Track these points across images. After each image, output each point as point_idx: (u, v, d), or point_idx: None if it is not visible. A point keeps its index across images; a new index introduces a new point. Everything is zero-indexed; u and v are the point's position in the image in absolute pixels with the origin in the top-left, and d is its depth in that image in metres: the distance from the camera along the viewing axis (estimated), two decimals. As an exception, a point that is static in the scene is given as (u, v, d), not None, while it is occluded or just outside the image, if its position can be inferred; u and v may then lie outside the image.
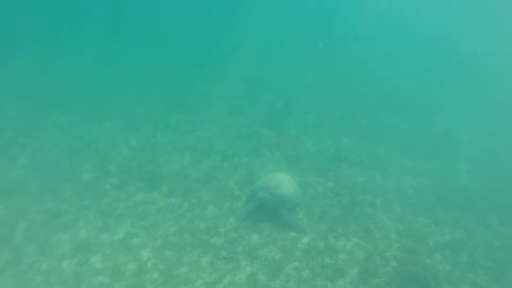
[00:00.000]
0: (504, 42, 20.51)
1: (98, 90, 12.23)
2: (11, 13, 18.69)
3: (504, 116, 12.03)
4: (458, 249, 6.14)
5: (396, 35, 23.90)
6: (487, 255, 6.09)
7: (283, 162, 8.62)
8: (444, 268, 5.73)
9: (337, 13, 28.39)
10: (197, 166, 8.23)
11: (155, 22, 22.72)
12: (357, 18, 26.43)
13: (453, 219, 6.92)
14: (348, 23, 25.61)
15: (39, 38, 16.66)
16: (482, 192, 7.88)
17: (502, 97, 13.48)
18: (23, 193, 6.85)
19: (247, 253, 5.76)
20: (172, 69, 15.46)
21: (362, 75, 16.40)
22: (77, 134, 9.21)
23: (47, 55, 15.04)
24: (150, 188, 7.33)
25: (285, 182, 6.72)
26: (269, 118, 10.98)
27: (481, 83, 15.52)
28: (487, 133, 10.88)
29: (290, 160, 8.71)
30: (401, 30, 24.99)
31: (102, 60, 15.52)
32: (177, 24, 23.16)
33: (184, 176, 7.79)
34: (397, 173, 8.53)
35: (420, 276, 5.42)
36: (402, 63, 18.16)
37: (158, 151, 8.72)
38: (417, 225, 6.71)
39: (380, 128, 10.99)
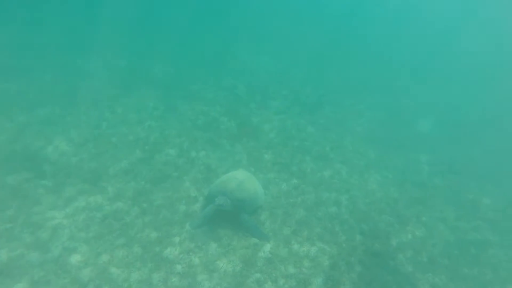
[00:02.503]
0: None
1: (29, 68, 10.56)
2: None
3: (462, 102, 12.60)
4: (419, 248, 6.28)
5: (368, 21, 23.91)
6: (444, 252, 6.31)
7: (244, 156, 8.19)
8: (406, 270, 5.82)
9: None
10: (148, 162, 7.50)
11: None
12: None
13: (415, 216, 7.08)
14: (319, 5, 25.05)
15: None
16: (441, 186, 8.17)
17: (461, 84, 14.10)
18: None
19: (205, 266, 5.37)
20: (123, 44, 13.89)
21: (329, 59, 16.17)
22: None
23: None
24: (93, 190, 6.52)
25: (245, 184, 6.30)
26: (229, 105, 10.38)
27: (443, 73, 16.07)
28: (447, 122, 11.28)
29: (252, 153, 8.29)
30: (374, 15, 25.04)
31: (36, 30, 13.45)
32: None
33: (134, 175, 7.05)
34: (362, 166, 8.53)
35: (384, 281, 5.45)
36: (371, 50, 18.23)
37: (103, 145, 7.79)
38: (381, 224, 6.76)
39: (346, 116, 10.92)
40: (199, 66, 12.94)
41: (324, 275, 5.45)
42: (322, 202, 7.08)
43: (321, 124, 10.15)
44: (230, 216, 6.16)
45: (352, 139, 9.62)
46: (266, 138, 8.99)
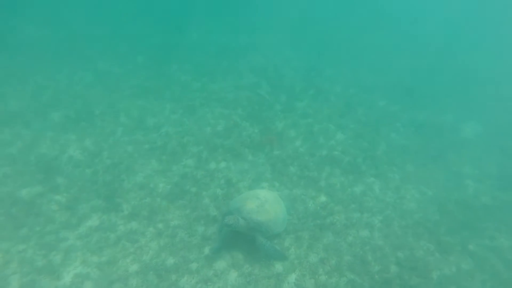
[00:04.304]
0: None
1: (44, 68, 10.53)
2: None
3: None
4: (465, 285, 5.69)
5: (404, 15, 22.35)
6: (497, 292, 5.68)
7: (268, 168, 7.76)
8: (449, 311, 5.29)
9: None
10: (165, 175, 7.25)
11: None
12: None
13: (459, 243, 6.43)
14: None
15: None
16: (491, 206, 7.42)
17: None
18: None
19: (224, 300, 5.08)
20: (139, 39, 13.65)
21: (361, 52, 15.20)
22: (14, 131, 7.85)
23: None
24: (107, 208, 6.36)
25: (266, 205, 5.84)
26: (252, 107, 9.92)
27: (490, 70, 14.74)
28: (495, 126, 10.28)
29: (276, 165, 7.85)
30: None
31: (50, 28, 13.43)
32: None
33: (150, 190, 6.83)
34: (398, 181, 7.90)
35: (424, 326, 4.95)
36: (407, 43, 17.02)
37: (118, 155, 7.62)
38: (419, 252, 6.19)
39: (379, 119, 10.19)
40: (219, 62, 12.49)
41: (355, 316, 5.03)
42: (353, 225, 6.59)
43: (351, 129, 9.51)
44: (251, 239, 5.81)
45: (387, 148, 8.95)
46: (291, 147, 8.50)
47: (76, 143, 7.79)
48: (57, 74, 10.37)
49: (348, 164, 8.18)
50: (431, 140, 9.55)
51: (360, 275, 5.64)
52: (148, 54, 12.52)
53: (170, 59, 12.38)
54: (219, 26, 16.03)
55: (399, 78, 13.15)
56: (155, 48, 13.08)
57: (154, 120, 8.92)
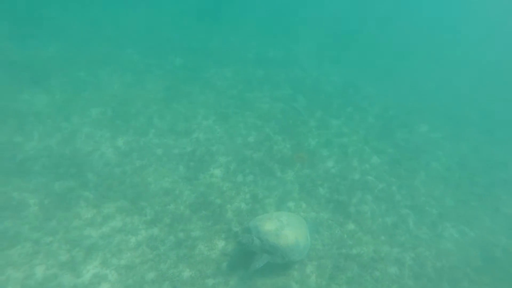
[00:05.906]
0: None
1: (89, 63, 11.07)
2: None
3: None
4: None
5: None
6: None
7: (296, 187, 7.59)
8: None
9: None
10: (191, 183, 7.29)
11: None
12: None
13: (501, 297, 5.90)
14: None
15: None
16: (542, 259, 6.74)
17: None
18: (-20, 203, 6.14)
19: (237, 322, 4.97)
20: (179, 41, 14.00)
21: (406, 70, 14.65)
22: (55, 123, 8.29)
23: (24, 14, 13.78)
24: (131, 210, 6.50)
25: (286, 230, 5.64)
26: (286, 120, 9.79)
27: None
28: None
29: (305, 184, 7.66)
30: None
31: (99, 24, 14.15)
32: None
33: (174, 197, 6.90)
34: (436, 216, 7.42)
35: None
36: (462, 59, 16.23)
37: (148, 157, 7.78)
38: (454, 300, 5.74)
39: (419, 146, 9.68)
40: (256, 70, 12.50)
41: None
42: (381, 259, 6.25)
43: (389, 154, 9.10)
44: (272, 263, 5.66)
45: (426, 178, 8.46)
46: (323, 167, 8.26)
47: (109, 141, 8.06)
48: (99, 70, 10.84)
49: (382, 192, 7.81)
50: (476, 174, 8.92)
51: (385, 317, 5.31)
52: (186, 56, 12.79)
53: (207, 63, 12.56)
54: (259, 33, 16.08)
55: (443, 102, 12.48)
56: (194, 51, 13.34)
57: (186, 125, 9.04)
